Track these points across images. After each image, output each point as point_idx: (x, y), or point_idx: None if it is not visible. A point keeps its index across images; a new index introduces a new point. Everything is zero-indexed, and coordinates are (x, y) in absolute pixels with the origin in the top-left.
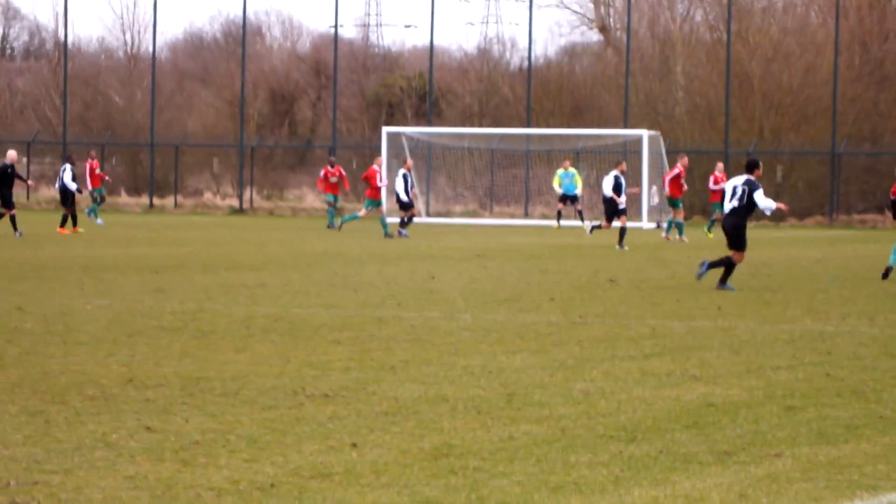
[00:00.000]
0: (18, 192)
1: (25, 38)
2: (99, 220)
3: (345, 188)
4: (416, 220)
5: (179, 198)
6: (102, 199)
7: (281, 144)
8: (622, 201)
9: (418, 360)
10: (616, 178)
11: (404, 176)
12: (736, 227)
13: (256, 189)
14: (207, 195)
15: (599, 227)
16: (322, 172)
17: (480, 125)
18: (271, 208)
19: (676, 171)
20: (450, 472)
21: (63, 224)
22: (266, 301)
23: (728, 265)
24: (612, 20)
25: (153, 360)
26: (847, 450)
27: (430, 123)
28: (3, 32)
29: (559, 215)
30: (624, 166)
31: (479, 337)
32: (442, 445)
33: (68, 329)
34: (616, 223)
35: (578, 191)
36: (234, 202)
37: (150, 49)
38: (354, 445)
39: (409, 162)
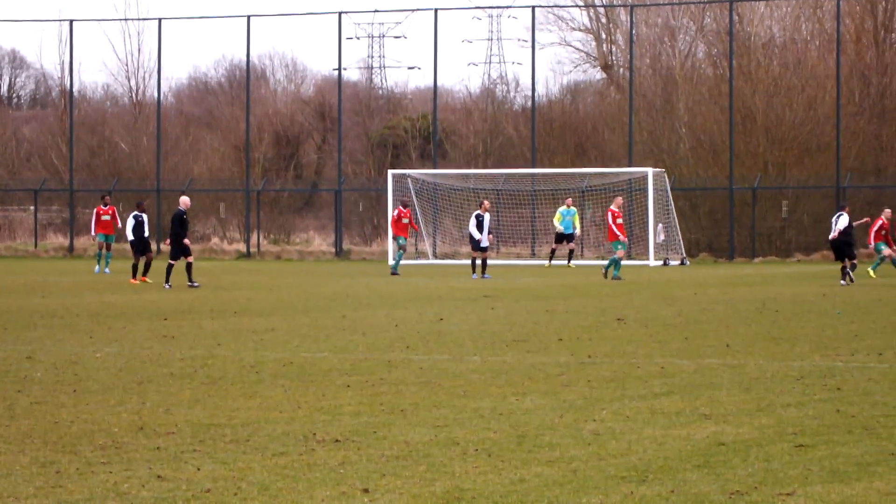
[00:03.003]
0: (28, 240)
1: (31, 86)
2: (97, 269)
3: (414, 229)
4: (422, 261)
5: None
6: (108, 248)
7: (287, 188)
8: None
9: (428, 403)
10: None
11: (477, 216)
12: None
13: (263, 233)
14: (214, 240)
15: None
16: (395, 213)
17: (485, 165)
18: (278, 252)
19: (879, 223)
20: None
21: (134, 275)
22: (275, 346)
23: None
24: (614, 58)
25: (163, 407)
26: (860, 488)
27: (435, 165)
28: (10, 81)
29: (552, 254)
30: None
31: (489, 379)
32: (453, 489)
33: (78, 378)
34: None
35: (577, 230)
36: (242, 247)
37: (155, 95)
38: (366, 491)
39: (486, 203)
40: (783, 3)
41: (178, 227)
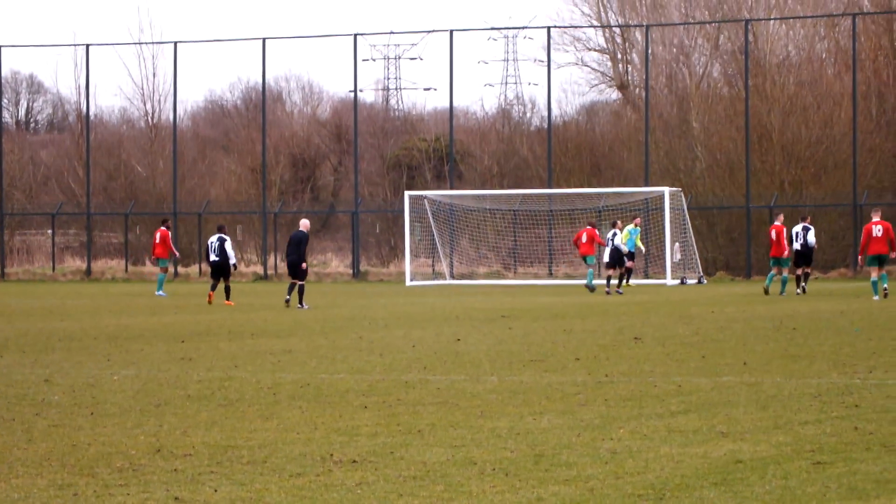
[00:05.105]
0: (46, 264)
1: (49, 110)
2: (162, 292)
3: (600, 244)
4: (440, 282)
5: (204, 265)
6: (164, 270)
7: (304, 210)
8: None
9: (445, 424)
10: None
11: (614, 234)
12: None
13: (280, 255)
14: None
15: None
16: (579, 234)
17: (501, 186)
18: None
19: None
20: None
21: (227, 296)
22: (292, 367)
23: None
24: (630, 77)
25: (181, 429)
26: None
27: (451, 186)
28: (27, 106)
29: (630, 273)
30: None
31: (506, 399)
32: None
33: (96, 400)
34: None
35: (639, 249)
36: (259, 269)
37: (171, 118)
38: None
39: (620, 223)
40: (798, 22)
41: (304, 249)
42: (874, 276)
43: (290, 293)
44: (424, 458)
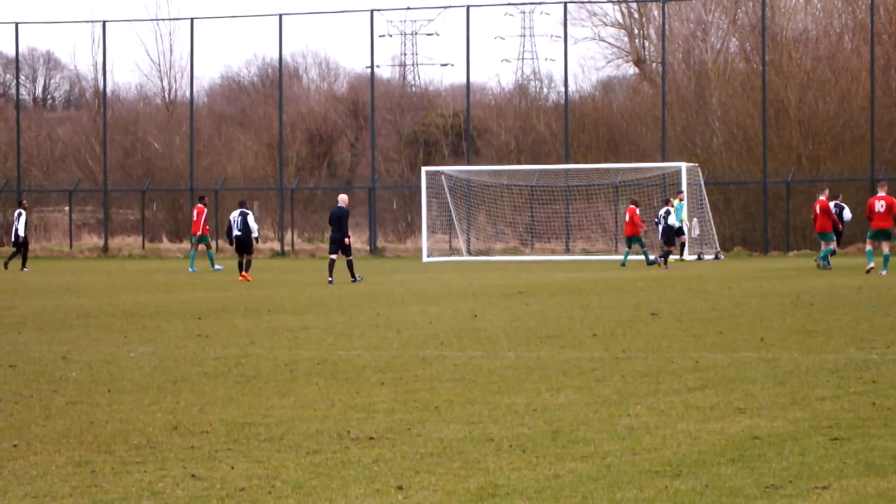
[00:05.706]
0: (63, 241)
1: (66, 87)
2: (218, 266)
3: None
4: (456, 258)
5: (220, 242)
6: (209, 246)
7: (321, 186)
8: None
9: (462, 400)
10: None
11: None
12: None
13: (297, 231)
14: None
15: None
16: (629, 214)
17: (518, 162)
18: (312, 250)
19: None
20: None
21: (247, 269)
22: (309, 344)
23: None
24: (647, 53)
25: (197, 406)
26: None
27: (468, 161)
28: (45, 83)
29: (683, 248)
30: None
31: (523, 375)
32: (488, 485)
33: (113, 377)
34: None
35: (685, 223)
36: (276, 245)
37: (188, 94)
38: (400, 488)
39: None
40: None
41: (346, 224)
42: (870, 247)
43: (331, 273)
44: (441, 434)
